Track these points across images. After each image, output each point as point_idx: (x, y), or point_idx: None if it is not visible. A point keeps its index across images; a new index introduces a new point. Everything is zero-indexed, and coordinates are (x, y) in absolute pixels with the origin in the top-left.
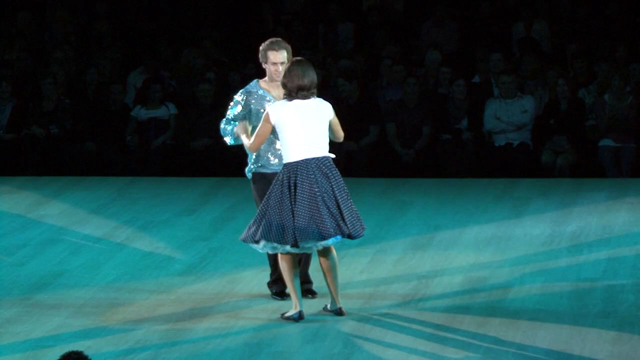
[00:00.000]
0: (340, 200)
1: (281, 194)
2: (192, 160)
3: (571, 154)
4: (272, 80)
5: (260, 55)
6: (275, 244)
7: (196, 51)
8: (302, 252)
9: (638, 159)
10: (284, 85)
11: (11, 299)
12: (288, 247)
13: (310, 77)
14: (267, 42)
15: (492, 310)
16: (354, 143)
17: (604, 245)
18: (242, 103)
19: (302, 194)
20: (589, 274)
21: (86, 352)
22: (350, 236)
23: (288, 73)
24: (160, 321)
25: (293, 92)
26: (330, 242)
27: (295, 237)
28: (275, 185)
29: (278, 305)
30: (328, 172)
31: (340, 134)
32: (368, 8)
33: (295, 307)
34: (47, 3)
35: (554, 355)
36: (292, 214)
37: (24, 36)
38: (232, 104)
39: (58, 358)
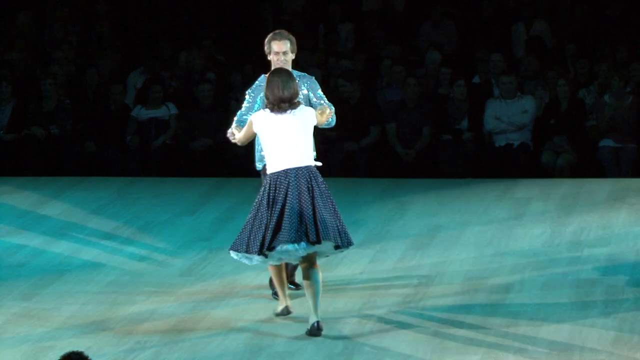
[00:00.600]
0: (317, 208)
1: (259, 206)
2: (193, 160)
3: (571, 154)
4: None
5: (265, 48)
6: (243, 255)
7: (196, 51)
8: (276, 261)
9: (638, 159)
10: (266, 96)
11: (12, 299)
12: (256, 257)
13: (291, 88)
14: (271, 34)
15: (493, 310)
16: (355, 143)
17: (604, 245)
18: (251, 99)
19: (276, 206)
20: (589, 274)
21: (86, 352)
22: (318, 242)
23: (269, 84)
24: (161, 321)
25: (275, 104)
26: (290, 247)
27: (262, 247)
28: (259, 196)
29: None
30: (309, 181)
31: (324, 118)
32: (368, 8)
33: (282, 302)
34: (47, 3)
35: (554, 355)
36: (265, 226)
37: (24, 36)
38: (244, 101)
39: (58, 358)
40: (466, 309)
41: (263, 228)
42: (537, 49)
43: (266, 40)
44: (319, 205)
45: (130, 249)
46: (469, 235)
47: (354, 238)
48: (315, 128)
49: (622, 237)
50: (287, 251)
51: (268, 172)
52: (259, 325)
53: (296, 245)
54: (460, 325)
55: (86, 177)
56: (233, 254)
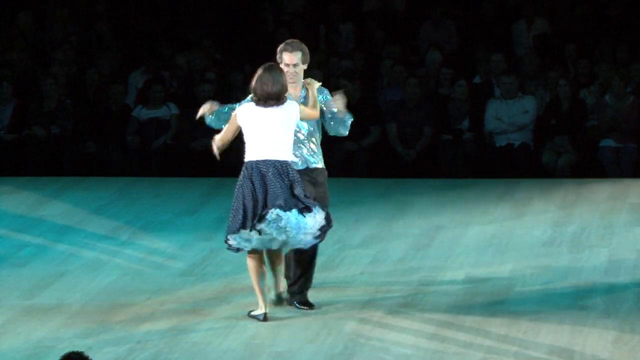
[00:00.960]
0: (296, 191)
1: (243, 190)
2: (193, 160)
3: (572, 154)
4: (289, 79)
5: (277, 56)
6: (237, 235)
7: (197, 51)
8: (265, 244)
9: (639, 159)
10: (254, 91)
11: (12, 299)
12: (255, 236)
13: (280, 85)
14: (283, 43)
15: (494, 310)
16: (355, 143)
17: (605, 245)
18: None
19: (258, 189)
20: (590, 275)
21: (87, 353)
22: (307, 209)
23: (259, 79)
24: (162, 321)
25: (262, 99)
26: (282, 213)
27: (254, 221)
28: (240, 182)
29: (280, 306)
30: (286, 174)
31: (315, 114)
32: (368, 8)
33: (261, 308)
34: (47, 3)
35: (555, 355)
36: (254, 204)
37: (25, 36)
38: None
39: (59, 358)
40: (467, 309)
41: (252, 206)
42: (542, 47)
43: (278, 49)
44: (297, 191)
45: (131, 249)
46: (470, 236)
47: (354, 238)
48: (324, 134)
49: (622, 238)
50: (278, 218)
51: (246, 159)
52: (259, 325)
53: (288, 212)
54: (460, 325)
55: (86, 177)
56: (232, 240)
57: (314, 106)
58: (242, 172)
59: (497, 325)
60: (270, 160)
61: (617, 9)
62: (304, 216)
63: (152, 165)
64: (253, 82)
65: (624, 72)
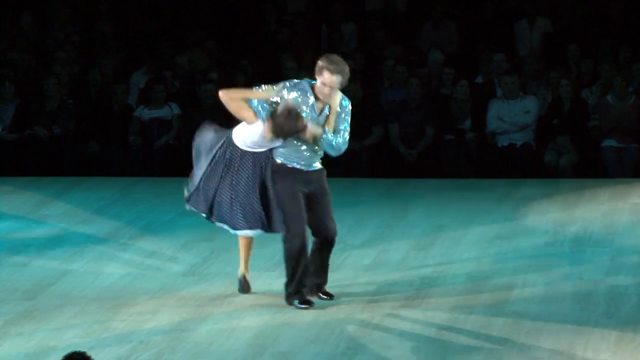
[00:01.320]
0: (270, 194)
1: (213, 158)
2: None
3: (574, 155)
4: (320, 94)
5: (316, 67)
6: (192, 209)
7: (198, 52)
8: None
9: None
10: (273, 124)
11: (14, 299)
12: (204, 216)
13: (296, 132)
14: (328, 59)
15: (496, 310)
16: (357, 143)
17: (607, 245)
18: (279, 93)
19: (226, 168)
20: (592, 275)
21: (89, 353)
22: (271, 230)
23: (284, 125)
24: (163, 321)
25: (272, 134)
26: (249, 232)
27: (209, 209)
28: (218, 150)
29: (281, 305)
30: (263, 165)
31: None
32: (371, 8)
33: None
34: (49, 3)
35: (557, 355)
36: (216, 189)
37: (27, 36)
38: (275, 87)
39: (61, 358)
40: (469, 309)
41: (207, 180)
42: (548, 45)
43: (320, 62)
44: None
45: (133, 249)
46: (472, 236)
47: (356, 238)
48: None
49: (624, 237)
50: (244, 233)
51: (234, 138)
52: (261, 325)
53: (255, 231)
54: (463, 325)
55: (88, 177)
56: (188, 207)
57: (325, 126)
58: (224, 141)
59: (499, 326)
60: (250, 152)
61: (618, 9)
62: (266, 233)
63: (154, 165)
64: (276, 120)
65: (626, 72)
